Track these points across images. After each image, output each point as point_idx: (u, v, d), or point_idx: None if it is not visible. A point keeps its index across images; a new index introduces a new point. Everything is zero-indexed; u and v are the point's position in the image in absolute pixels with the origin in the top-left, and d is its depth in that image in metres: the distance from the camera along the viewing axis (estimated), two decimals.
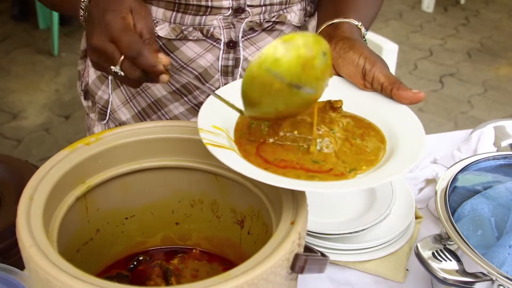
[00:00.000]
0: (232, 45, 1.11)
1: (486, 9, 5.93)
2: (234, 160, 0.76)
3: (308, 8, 1.17)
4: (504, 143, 1.38)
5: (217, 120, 0.82)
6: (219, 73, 1.14)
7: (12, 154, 3.12)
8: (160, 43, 1.11)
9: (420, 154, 0.77)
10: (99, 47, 0.87)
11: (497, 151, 1.36)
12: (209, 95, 1.12)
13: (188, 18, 1.08)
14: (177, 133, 0.90)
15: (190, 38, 1.09)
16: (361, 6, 1.08)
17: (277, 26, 1.13)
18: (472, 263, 0.89)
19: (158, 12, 1.09)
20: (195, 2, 1.05)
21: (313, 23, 1.23)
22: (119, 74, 0.86)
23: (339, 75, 0.94)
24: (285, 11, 1.12)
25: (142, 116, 1.23)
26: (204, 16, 1.07)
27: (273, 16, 1.12)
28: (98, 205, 0.89)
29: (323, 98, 0.83)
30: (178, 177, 0.93)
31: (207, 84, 1.15)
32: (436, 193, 1.02)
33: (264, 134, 0.82)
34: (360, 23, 1.01)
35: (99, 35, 0.87)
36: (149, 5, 1.09)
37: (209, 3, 1.05)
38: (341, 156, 0.79)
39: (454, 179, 1.06)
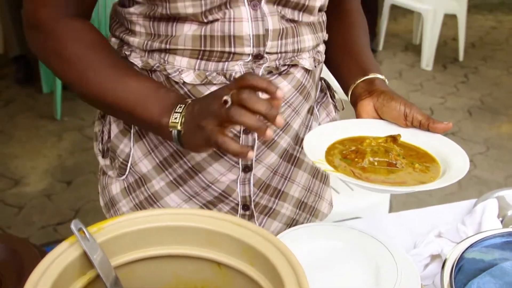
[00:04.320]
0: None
1: (485, 66, 5.99)
2: (355, 180, 1.03)
3: (316, 56, 1.24)
4: (510, 213, 1.38)
5: (317, 153, 1.09)
6: None
7: (13, 221, 3.11)
8: (186, 89, 1.15)
9: (467, 163, 1.07)
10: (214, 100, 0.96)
11: (502, 222, 1.35)
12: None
13: (211, 65, 1.13)
14: (180, 221, 0.89)
15: (214, 82, 1.13)
16: (373, 59, 1.33)
17: (291, 70, 1.19)
18: None
19: (182, 61, 1.13)
20: (219, 49, 1.11)
21: (318, 72, 1.30)
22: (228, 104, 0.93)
23: (382, 119, 1.21)
24: (297, 57, 1.19)
25: (163, 166, 1.24)
26: (226, 62, 1.12)
27: (287, 61, 1.18)
28: None
29: (384, 134, 1.16)
30: (180, 265, 0.91)
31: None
32: (442, 275, 1.01)
33: (350, 163, 1.09)
34: (383, 76, 1.26)
35: (207, 110, 0.97)
36: (173, 55, 1.13)
37: (232, 49, 1.11)
38: (411, 174, 1.08)
39: (460, 258, 1.05)
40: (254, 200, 1.26)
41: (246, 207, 1.26)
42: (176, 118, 1.02)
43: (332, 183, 2.34)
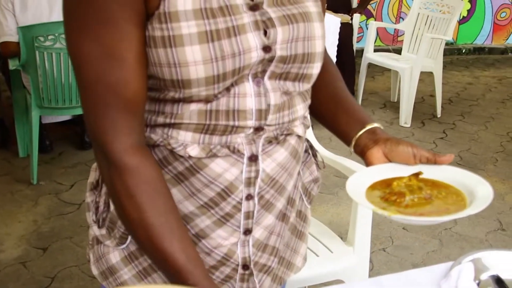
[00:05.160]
0: (253, 158, 1.19)
1: (462, 122, 6.06)
2: (399, 217, 1.15)
3: (305, 122, 1.31)
4: (483, 276, 1.37)
5: (362, 197, 1.22)
6: (243, 185, 1.20)
7: None
8: (191, 163, 1.17)
9: (485, 183, 1.24)
10: None
11: (478, 285, 1.33)
12: (234, 205, 1.22)
13: (215, 138, 1.15)
14: None
15: (219, 155, 1.16)
16: (362, 108, 1.44)
17: (287, 138, 1.25)
18: None
19: (186, 135, 1.15)
20: (223, 123, 1.14)
21: (305, 135, 1.35)
22: None
23: (391, 161, 1.34)
24: (291, 126, 1.25)
25: None
26: (229, 135, 1.16)
27: (284, 130, 1.23)
28: None
29: (405, 174, 1.29)
30: None
31: (232, 196, 1.20)
32: None
33: (393, 203, 1.20)
34: (379, 124, 1.39)
35: None
36: (177, 130, 1.15)
37: (236, 123, 1.15)
38: (445, 203, 1.21)
39: None
40: (253, 260, 1.28)
41: (246, 267, 1.28)
42: None
43: (311, 246, 2.33)
